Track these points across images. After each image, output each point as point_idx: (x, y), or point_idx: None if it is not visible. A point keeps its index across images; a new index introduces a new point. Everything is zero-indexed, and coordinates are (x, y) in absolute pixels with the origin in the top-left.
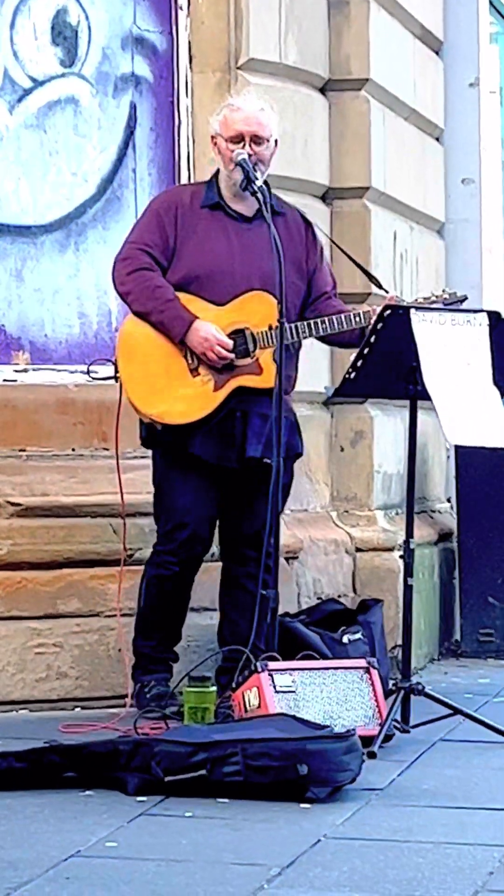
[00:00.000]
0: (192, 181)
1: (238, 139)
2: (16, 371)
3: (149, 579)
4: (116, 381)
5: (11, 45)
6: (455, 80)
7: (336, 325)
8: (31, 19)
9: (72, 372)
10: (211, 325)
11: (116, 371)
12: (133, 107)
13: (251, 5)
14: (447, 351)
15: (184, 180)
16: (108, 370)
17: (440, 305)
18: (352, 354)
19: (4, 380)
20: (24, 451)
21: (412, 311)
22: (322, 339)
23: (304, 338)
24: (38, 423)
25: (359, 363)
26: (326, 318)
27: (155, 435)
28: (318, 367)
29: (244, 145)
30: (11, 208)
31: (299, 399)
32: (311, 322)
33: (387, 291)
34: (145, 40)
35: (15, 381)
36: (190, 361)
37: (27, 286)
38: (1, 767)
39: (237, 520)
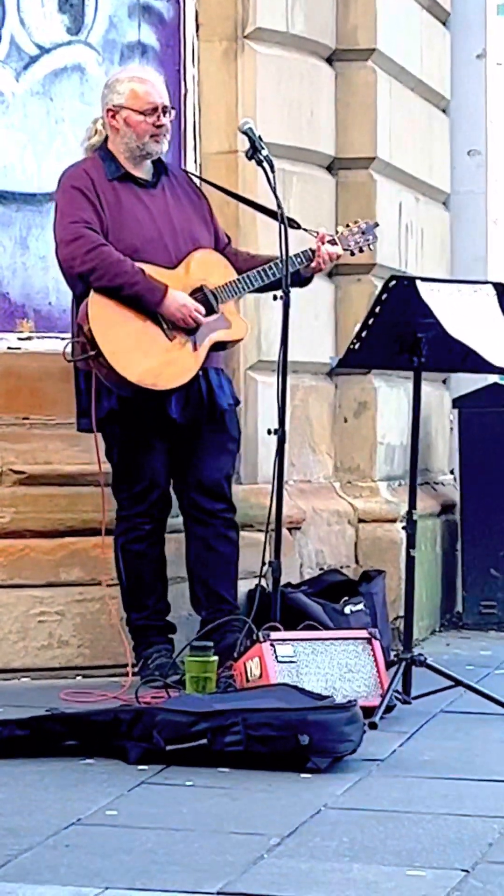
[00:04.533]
0: (198, 149)
1: (153, 110)
2: (20, 339)
3: (123, 547)
4: (92, 360)
5: (18, 12)
6: (462, 52)
7: (282, 267)
8: None
9: None
10: (182, 293)
11: (86, 351)
12: None
13: None
14: (460, 312)
15: (189, 148)
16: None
17: (360, 234)
18: (356, 325)
19: (8, 347)
20: (27, 419)
21: (418, 281)
22: (264, 285)
23: (257, 285)
24: (41, 391)
25: (363, 334)
26: (273, 264)
27: (126, 406)
28: (322, 338)
29: (159, 117)
30: (17, 176)
31: (303, 370)
32: (260, 270)
33: (310, 231)
34: (152, 8)
35: (19, 348)
36: (164, 326)
37: (32, 254)
38: (2, 735)
39: (194, 470)
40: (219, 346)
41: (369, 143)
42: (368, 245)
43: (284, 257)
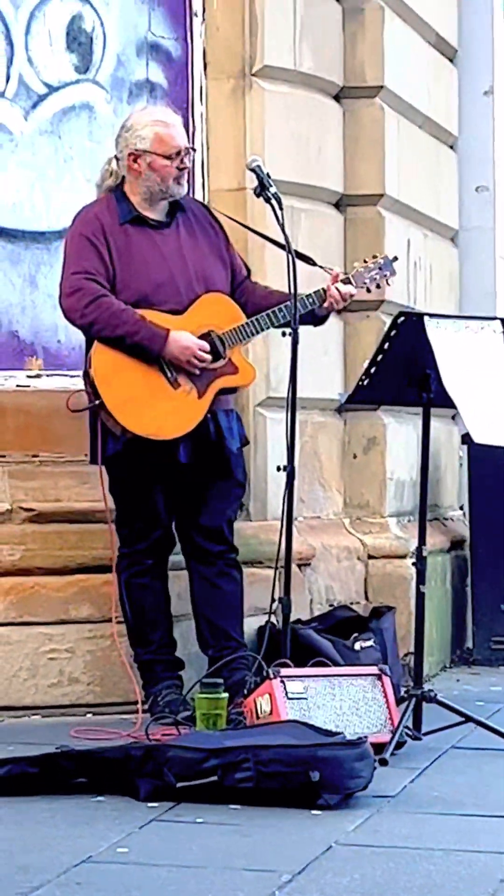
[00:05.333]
0: (206, 187)
1: (177, 154)
2: (29, 377)
3: (126, 582)
4: (95, 409)
5: (26, 51)
6: (469, 88)
7: (293, 309)
8: (47, 25)
9: None
10: (185, 333)
11: (92, 401)
12: None
13: (266, 12)
14: (463, 356)
15: (198, 186)
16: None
17: (377, 270)
18: (365, 361)
19: (18, 385)
20: (36, 456)
21: (426, 318)
22: (279, 325)
23: (266, 329)
24: (50, 428)
25: (372, 370)
26: (283, 306)
27: (132, 448)
28: (330, 375)
29: (182, 159)
30: (25, 214)
31: (312, 406)
32: (270, 312)
33: (326, 269)
34: (160, 47)
35: (28, 386)
36: (169, 375)
37: (40, 292)
38: (13, 772)
39: (196, 512)
40: (226, 391)
41: (377, 179)
42: (386, 280)
43: (293, 294)
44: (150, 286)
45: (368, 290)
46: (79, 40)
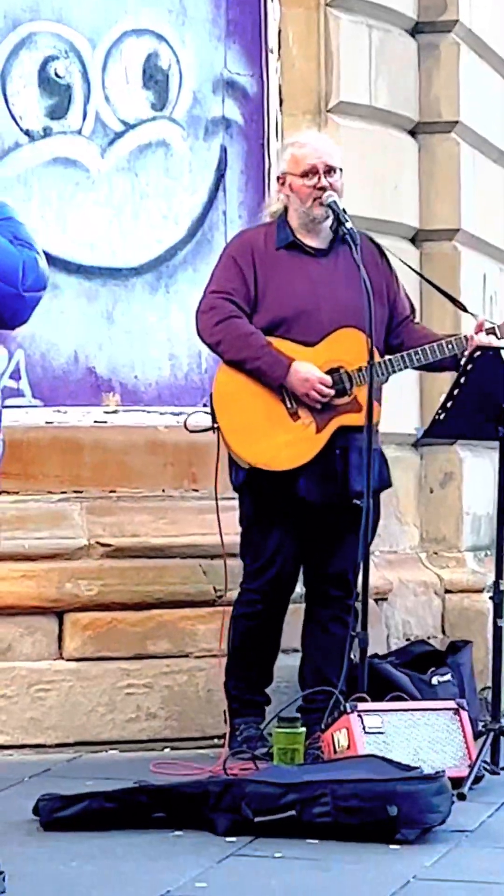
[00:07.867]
0: None
1: (313, 172)
2: (106, 412)
3: (236, 618)
4: (214, 432)
5: (103, 88)
6: None
7: (430, 354)
8: (123, 63)
9: (162, 413)
10: (309, 365)
11: (214, 421)
12: (223, 150)
13: (342, 48)
14: None
15: None
16: (205, 419)
17: None
18: (441, 395)
19: (95, 421)
20: (114, 492)
21: (503, 352)
22: (415, 367)
23: (399, 371)
24: (128, 464)
25: (448, 404)
26: (420, 349)
27: (254, 479)
28: (407, 409)
29: (319, 178)
30: (102, 251)
31: (388, 441)
32: (405, 354)
33: (475, 315)
34: (236, 84)
35: (105, 422)
36: (289, 406)
37: (118, 328)
38: (91, 807)
39: (323, 559)
40: (352, 429)
41: (453, 214)
42: None
43: (370, 339)
44: (291, 312)
45: None
46: (155, 78)
